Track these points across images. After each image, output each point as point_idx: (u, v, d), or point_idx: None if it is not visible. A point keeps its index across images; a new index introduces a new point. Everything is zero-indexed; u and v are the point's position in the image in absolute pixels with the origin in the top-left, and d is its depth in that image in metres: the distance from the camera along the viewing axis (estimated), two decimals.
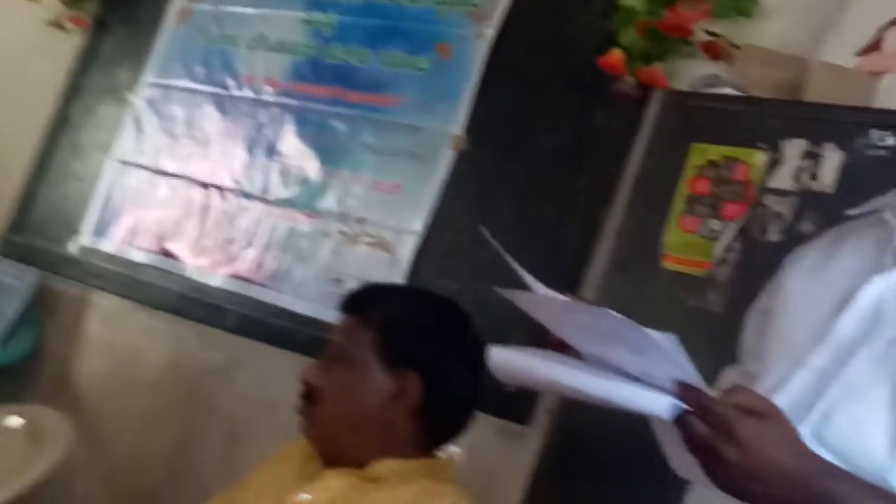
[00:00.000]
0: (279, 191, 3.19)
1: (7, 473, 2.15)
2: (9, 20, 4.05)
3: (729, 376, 1.53)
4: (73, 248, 3.56)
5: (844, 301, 1.32)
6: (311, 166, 3.15)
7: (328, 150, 3.15)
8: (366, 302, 1.91)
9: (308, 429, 1.87)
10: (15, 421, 2.21)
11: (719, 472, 1.13)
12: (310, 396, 1.86)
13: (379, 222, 2.97)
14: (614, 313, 1.12)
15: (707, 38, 2.51)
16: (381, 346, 1.83)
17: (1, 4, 4.04)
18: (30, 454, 2.15)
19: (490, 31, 2.94)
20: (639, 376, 1.13)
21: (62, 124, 3.77)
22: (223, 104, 3.42)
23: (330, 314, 2.36)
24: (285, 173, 3.20)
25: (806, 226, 2.03)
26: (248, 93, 3.38)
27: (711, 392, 1.14)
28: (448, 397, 1.85)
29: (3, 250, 3.70)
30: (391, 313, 1.88)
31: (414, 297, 2.09)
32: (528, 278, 1.26)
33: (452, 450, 2.34)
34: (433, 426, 1.85)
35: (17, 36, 4.01)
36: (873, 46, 2.25)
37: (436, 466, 1.87)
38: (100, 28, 3.79)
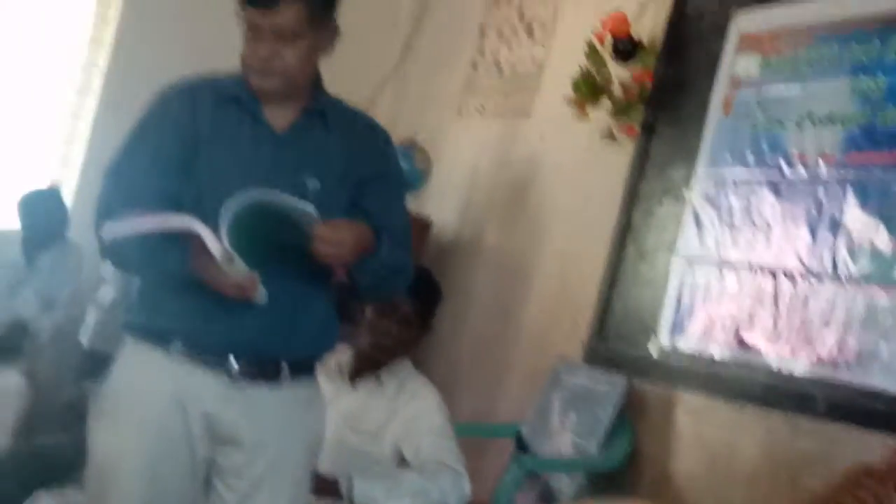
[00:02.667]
0: (850, 267, 3.08)
1: None
2: (565, 140, 4.33)
3: None
4: (652, 349, 3.66)
5: None
6: (881, 238, 3.02)
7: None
8: None
9: None
10: None
11: None
12: None
13: None
14: None
15: None
16: None
17: (558, 127, 4.33)
18: None
19: None
20: None
21: (626, 231, 3.92)
22: (778, 187, 3.39)
23: None
24: (853, 248, 3.09)
25: None
26: (802, 172, 3.32)
27: None
28: None
29: (588, 358, 3.89)
30: None
31: None
32: None
33: None
34: None
35: (574, 154, 4.27)
36: None
37: None
38: (648, 133, 3.93)
